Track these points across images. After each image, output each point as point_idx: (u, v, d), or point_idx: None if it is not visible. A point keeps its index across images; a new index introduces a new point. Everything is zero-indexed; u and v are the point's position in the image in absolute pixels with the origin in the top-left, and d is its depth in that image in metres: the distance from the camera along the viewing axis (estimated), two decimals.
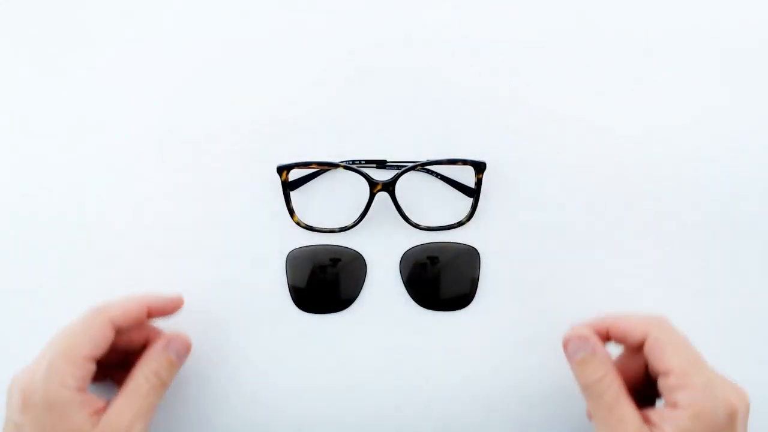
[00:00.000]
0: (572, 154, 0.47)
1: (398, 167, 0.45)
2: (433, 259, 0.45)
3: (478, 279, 0.45)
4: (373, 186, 0.42)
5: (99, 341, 0.32)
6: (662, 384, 0.30)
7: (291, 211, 0.44)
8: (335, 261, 0.45)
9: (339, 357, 0.45)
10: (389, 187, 0.43)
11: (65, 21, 0.49)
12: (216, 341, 0.44)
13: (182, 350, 0.36)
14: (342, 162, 0.44)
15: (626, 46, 0.48)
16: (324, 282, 0.45)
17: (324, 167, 0.45)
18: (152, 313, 0.37)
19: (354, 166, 0.43)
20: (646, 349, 0.31)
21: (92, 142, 0.47)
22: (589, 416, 0.34)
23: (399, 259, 0.45)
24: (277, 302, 0.45)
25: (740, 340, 0.45)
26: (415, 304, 0.45)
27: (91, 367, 0.31)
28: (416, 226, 0.44)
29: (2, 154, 0.47)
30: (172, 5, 0.49)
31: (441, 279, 0.45)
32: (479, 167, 0.43)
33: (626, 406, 0.29)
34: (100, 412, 0.30)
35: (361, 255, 0.45)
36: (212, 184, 0.46)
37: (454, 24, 0.48)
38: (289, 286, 0.45)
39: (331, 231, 0.45)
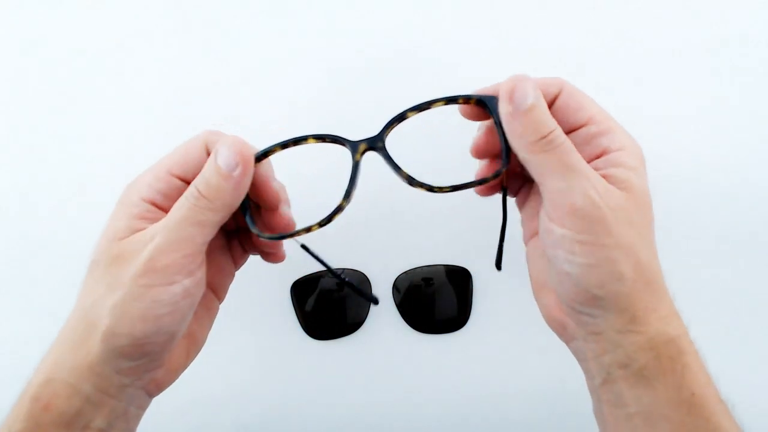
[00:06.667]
0: None
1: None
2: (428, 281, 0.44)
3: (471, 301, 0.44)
4: (355, 148, 0.29)
5: (186, 159, 0.28)
6: (582, 135, 0.28)
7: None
8: (341, 286, 0.44)
9: (348, 379, 0.45)
10: (377, 142, 0.29)
11: (66, 22, 0.49)
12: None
13: (231, 160, 0.27)
14: (310, 135, 0.30)
15: (626, 47, 0.48)
16: (331, 309, 0.44)
17: (287, 146, 0.30)
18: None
19: (324, 134, 0.30)
20: (562, 102, 0.28)
21: (89, 142, 0.47)
22: (527, 239, 0.31)
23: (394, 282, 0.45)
24: (273, 303, 0.45)
25: (742, 340, 0.45)
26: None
27: (177, 183, 0.28)
28: (430, 188, 0.29)
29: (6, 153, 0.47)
30: (174, 6, 0.48)
31: (435, 302, 0.44)
32: (490, 104, 0.29)
33: (582, 159, 0.26)
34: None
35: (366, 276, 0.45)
36: None
37: (453, 25, 0.48)
38: (297, 316, 0.45)
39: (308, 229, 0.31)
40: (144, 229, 0.27)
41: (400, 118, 0.29)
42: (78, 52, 0.46)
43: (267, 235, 0.30)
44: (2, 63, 0.46)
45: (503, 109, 0.27)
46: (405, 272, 0.45)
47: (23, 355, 0.42)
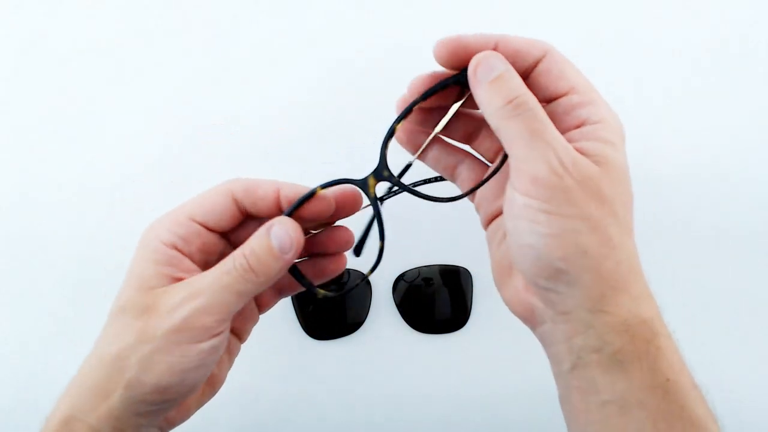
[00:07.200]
0: None
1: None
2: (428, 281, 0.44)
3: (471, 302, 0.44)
4: (365, 185, 0.29)
5: (209, 206, 0.29)
6: (563, 104, 0.27)
7: None
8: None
9: (348, 380, 0.45)
10: (383, 171, 0.29)
11: (66, 22, 0.49)
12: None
13: (287, 242, 0.27)
14: (317, 186, 0.29)
15: (626, 47, 0.48)
16: (331, 309, 0.44)
17: (301, 204, 0.29)
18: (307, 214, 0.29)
19: (331, 181, 0.29)
20: (544, 68, 0.27)
21: (89, 142, 0.47)
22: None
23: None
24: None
25: (742, 340, 0.44)
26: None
27: (197, 229, 0.28)
28: (452, 199, 0.30)
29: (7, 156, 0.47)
30: (174, 5, 0.49)
31: (435, 302, 0.44)
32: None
33: (553, 128, 0.25)
34: (175, 279, 0.28)
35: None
36: None
37: (453, 25, 0.48)
38: (297, 316, 0.45)
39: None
40: (170, 275, 0.27)
41: (391, 134, 0.29)
42: (78, 52, 0.46)
43: (324, 292, 0.31)
44: (2, 63, 0.46)
45: (470, 82, 0.27)
46: (405, 272, 0.45)
47: (23, 355, 0.43)
